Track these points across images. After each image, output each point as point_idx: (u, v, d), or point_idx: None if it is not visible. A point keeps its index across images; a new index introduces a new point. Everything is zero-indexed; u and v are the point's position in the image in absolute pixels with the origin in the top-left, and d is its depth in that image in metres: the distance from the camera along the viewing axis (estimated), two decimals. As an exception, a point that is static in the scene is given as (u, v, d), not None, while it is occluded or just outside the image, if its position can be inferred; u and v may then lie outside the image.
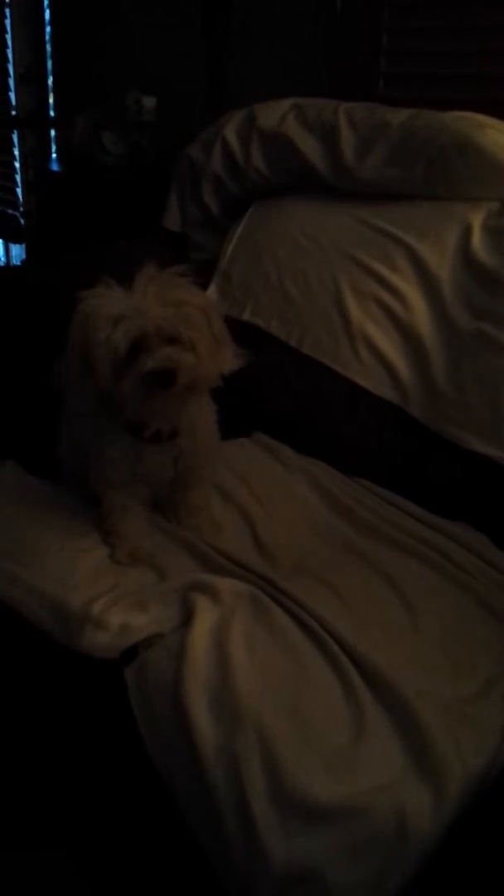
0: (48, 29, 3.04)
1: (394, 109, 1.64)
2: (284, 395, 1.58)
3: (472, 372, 1.41)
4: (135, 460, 1.19)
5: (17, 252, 3.38)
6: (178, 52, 2.50)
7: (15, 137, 3.13)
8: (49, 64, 3.09)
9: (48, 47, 3.07)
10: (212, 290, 1.78)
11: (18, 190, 3.20)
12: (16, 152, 3.16)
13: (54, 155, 3.13)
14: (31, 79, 3.09)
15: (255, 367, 1.62)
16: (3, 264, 3.55)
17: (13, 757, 1.29)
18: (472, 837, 0.90)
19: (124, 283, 1.11)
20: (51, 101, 3.13)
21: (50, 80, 3.11)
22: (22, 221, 3.19)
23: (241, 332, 1.62)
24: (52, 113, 3.13)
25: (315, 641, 1.04)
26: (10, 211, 3.26)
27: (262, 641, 1.04)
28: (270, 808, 0.88)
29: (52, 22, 3.03)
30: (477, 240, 1.47)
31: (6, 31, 3.03)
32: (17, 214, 3.21)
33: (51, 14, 3.02)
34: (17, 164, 3.17)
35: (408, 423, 1.48)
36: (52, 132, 3.12)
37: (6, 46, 3.05)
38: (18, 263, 3.35)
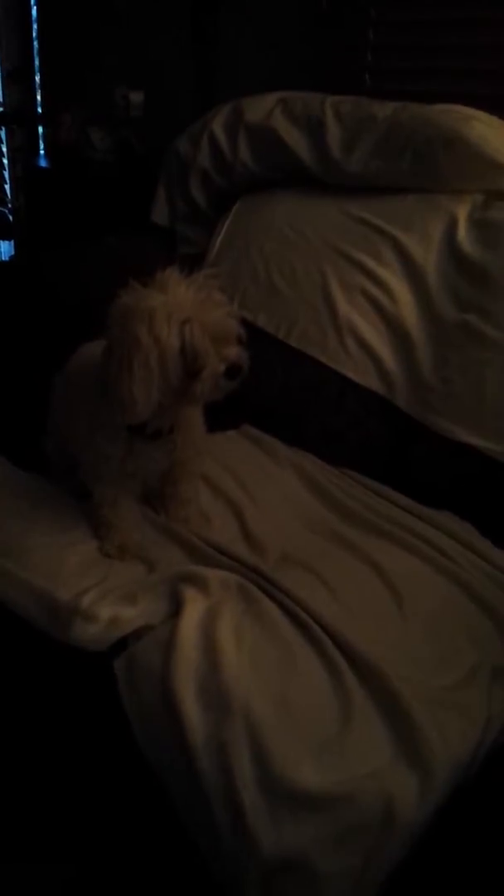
0: (35, 25, 3.03)
1: (380, 103, 1.64)
2: (272, 387, 1.58)
3: (457, 363, 1.42)
4: (130, 456, 1.19)
5: (6, 248, 3.38)
6: (165, 48, 2.50)
7: (3, 134, 3.12)
8: (36, 60, 3.08)
9: (35, 43, 3.06)
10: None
11: (7, 186, 3.19)
12: (3, 148, 3.15)
13: (42, 151, 3.12)
14: (18, 75, 3.08)
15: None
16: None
17: (2, 748, 1.29)
18: (457, 823, 0.91)
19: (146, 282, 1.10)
20: (38, 97, 3.12)
21: (37, 77, 3.10)
22: (10, 217, 3.18)
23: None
24: (39, 109, 3.13)
25: (303, 631, 1.05)
26: (-2, 207, 3.25)
27: (251, 631, 1.04)
28: (259, 796, 0.89)
29: (39, 18, 3.02)
30: (462, 232, 1.48)
31: (-7, 28, 3.02)
32: (6, 211, 3.20)
33: (38, 10, 3.01)
34: (4, 161, 3.16)
35: (394, 413, 1.49)
36: (40, 128, 3.12)
37: (-7, 42, 3.04)
38: (6, 259, 3.34)
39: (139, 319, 1.04)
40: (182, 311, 1.05)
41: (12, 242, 3.24)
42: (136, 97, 2.50)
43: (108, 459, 1.19)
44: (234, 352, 1.10)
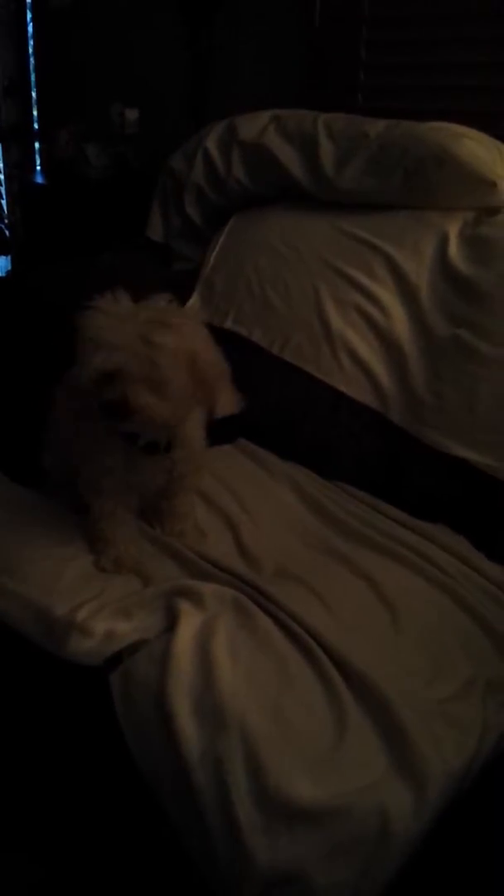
0: (31, 42, 3.06)
1: (372, 120, 1.66)
2: (267, 401, 1.59)
3: (449, 378, 1.43)
4: (129, 469, 1.20)
5: (2, 263, 3.39)
6: (160, 65, 2.52)
7: (-1, 150, 3.15)
8: (33, 76, 3.11)
9: (32, 60, 3.09)
10: (194, 299, 1.80)
11: (3, 202, 3.21)
12: (0, 165, 3.17)
13: (38, 167, 3.15)
14: (14, 91, 3.10)
15: (239, 375, 1.65)
16: (-12, 276, 3.55)
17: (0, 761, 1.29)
18: (453, 835, 0.92)
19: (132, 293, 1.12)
20: (35, 113, 3.15)
21: (34, 93, 3.12)
22: (7, 233, 3.20)
23: (224, 341, 1.63)
24: (36, 125, 3.15)
25: (298, 645, 1.06)
26: (-6, 223, 3.27)
27: (246, 645, 1.04)
28: (254, 810, 0.89)
29: (35, 35, 3.05)
30: (454, 249, 1.50)
31: (-11, 45, 3.05)
32: (2, 226, 3.22)
33: (34, 27, 3.04)
34: (1, 176, 3.19)
35: (388, 428, 1.50)
36: (37, 144, 3.14)
37: (-10, 59, 3.06)
38: (3, 274, 3.36)
39: (94, 324, 1.08)
40: (100, 333, 1.07)
41: (9, 258, 3.26)
42: (132, 114, 2.53)
43: (108, 472, 1.20)
44: (114, 390, 1.08)
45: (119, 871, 1.13)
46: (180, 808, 0.95)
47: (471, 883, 0.89)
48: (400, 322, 1.52)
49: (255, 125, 1.80)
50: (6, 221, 3.20)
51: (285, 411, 1.58)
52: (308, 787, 0.89)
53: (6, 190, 3.19)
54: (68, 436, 1.28)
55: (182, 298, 1.80)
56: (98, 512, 1.23)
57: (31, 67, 3.09)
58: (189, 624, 1.06)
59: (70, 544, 1.24)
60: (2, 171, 3.17)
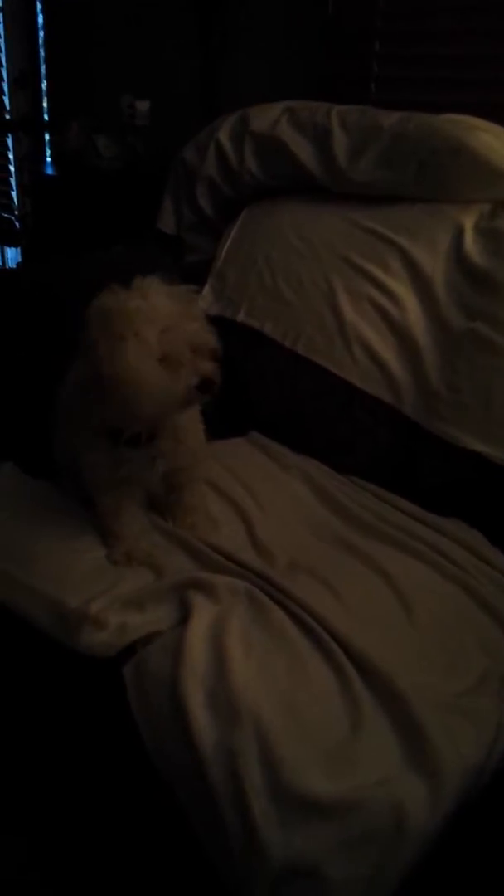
0: (42, 33, 3.05)
1: (386, 112, 1.65)
2: (280, 394, 1.59)
3: (465, 371, 1.42)
4: (114, 463, 1.20)
5: (13, 255, 3.39)
6: (171, 56, 2.51)
7: (9, 141, 3.14)
8: (43, 68, 3.10)
9: (42, 51, 3.08)
10: (206, 292, 1.79)
11: (13, 193, 3.21)
12: (10, 156, 3.17)
13: (49, 159, 3.14)
14: (25, 83, 3.09)
15: (251, 367, 1.64)
16: (-2, 267, 3.56)
17: (12, 756, 1.29)
18: (470, 830, 0.91)
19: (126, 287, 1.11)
20: (45, 104, 3.14)
21: (44, 84, 3.12)
22: (17, 225, 3.20)
23: (237, 333, 1.63)
24: (46, 117, 3.14)
25: (311, 638, 1.05)
26: (5, 214, 3.26)
27: (259, 638, 1.04)
28: (268, 803, 0.89)
29: (45, 26, 3.04)
30: (469, 241, 1.49)
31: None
32: (13, 218, 3.22)
33: (44, 18, 3.03)
34: (11, 168, 3.18)
35: (401, 421, 1.49)
36: (47, 136, 3.13)
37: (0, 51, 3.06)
38: (14, 266, 3.36)
39: (122, 321, 1.05)
40: (162, 317, 1.06)
41: (19, 249, 3.26)
42: (143, 106, 2.52)
43: (95, 467, 1.20)
44: (209, 366, 1.10)
45: (131, 864, 1.13)
46: (194, 801, 0.95)
47: (488, 878, 0.88)
48: (414, 315, 1.51)
49: (267, 117, 1.79)
50: (16, 213, 3.20)
51: (298, 404, 1.58)
52: (322, 781, 0.89)
53: (16, 182, 3.19)
54: (67, 431, 1.29)
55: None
56: (102, 507, 1.24)
57: (42, 59, 3.08)
58: (202, 616, 1.06)
59: (82, 537, 1.24)
60: (12, 162, 3.17)
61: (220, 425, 1.30)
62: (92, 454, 1.20)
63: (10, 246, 3.36)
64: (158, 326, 1.06)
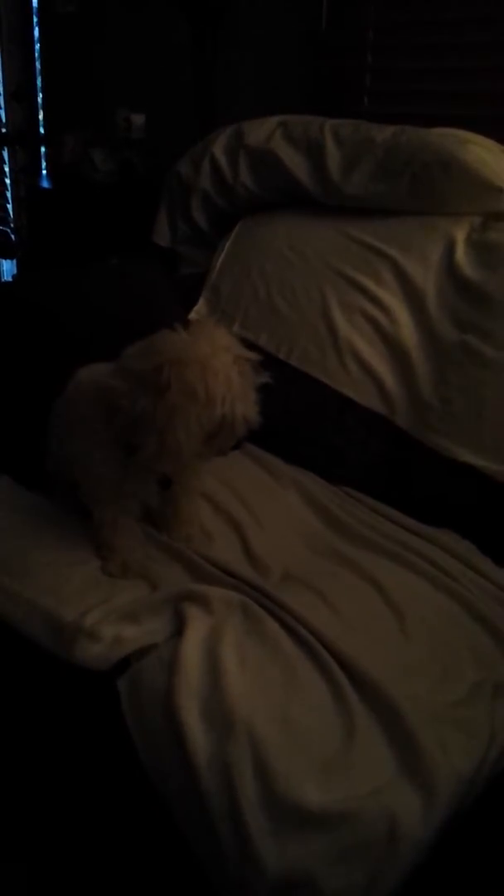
0: (38, 47, 3.07)
1: (379, 126, 1.67)
2: (273, 406, 1.57)
3: (456, 383, 1.43)
4: (122, 477, 1.21)
5: (8, 267, 3.41)
6: (166, 70, 2.53)
7: (5, 154, 3.16)
8: (39, 81, 3.12)
9: (38, 65, 3.10)
10: (201, 304, 1.81)
11: (9, 206, 3.23)
12: (6, 169, 3.19)
13: (44, 171, 3.16)
14: (21, 96, 3.12)
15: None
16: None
17: (7, 767, 1.29)
18: (462, 840, 0.92)
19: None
20: (41, 118, 3.16)
21: (40, 98, 3.14)
22: (13, 237, 3.21)
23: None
24: (42, 130, 3.16)
25: (305, 649, 1.06)
26: (1, 227, 3.28)
27: (253, 650, 1.05)
28: (263, 814, 0.89)
29: (41, 40, 3.06)
30: (461, 254, 1.50)
31: (-4, 50, 3.06)
32: (8, 230, 3.23)
33: (40, 32, 3.05)
34: (7, 181, 3.20)
35: (394, 433, 1.50)
36: (43, 149, 3.15)
37: (-4, 64, 3.08)
38: (9, 279, 3.37)
39: (194, 373, 1.07)
40: (227, 372, 1.09)
41: (14, 262, 3.27)
42: (138, 119, 2.54)
43: (104, 482, 1.21)
44: (255, 416, 1.14)
45: (127, 876, 1.13)
46: (188, 813, 0.95)
47: (481, 888, 0.89)
48: (406, 327, 1.53)
49: (262, 131, 1.81)
50: (12, 226, 3.21)
51: (292, 416, 1.59)
52: (316, 792, 0.89)
53: (12, 194, 3.20)
54: (66, 444, 1.29)
55: (188, 304, 1.81)
56: (99, 519, 1.24)
57: (38, 72, 3.11)
58: (197, 628, 1.06)
59: (78, 549, 1.24)
60: (8, 175, 3.19)
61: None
62: (103, 468, 1.20)
63: (5, 258, 3.38)
64: (217, 404, 1.09)
